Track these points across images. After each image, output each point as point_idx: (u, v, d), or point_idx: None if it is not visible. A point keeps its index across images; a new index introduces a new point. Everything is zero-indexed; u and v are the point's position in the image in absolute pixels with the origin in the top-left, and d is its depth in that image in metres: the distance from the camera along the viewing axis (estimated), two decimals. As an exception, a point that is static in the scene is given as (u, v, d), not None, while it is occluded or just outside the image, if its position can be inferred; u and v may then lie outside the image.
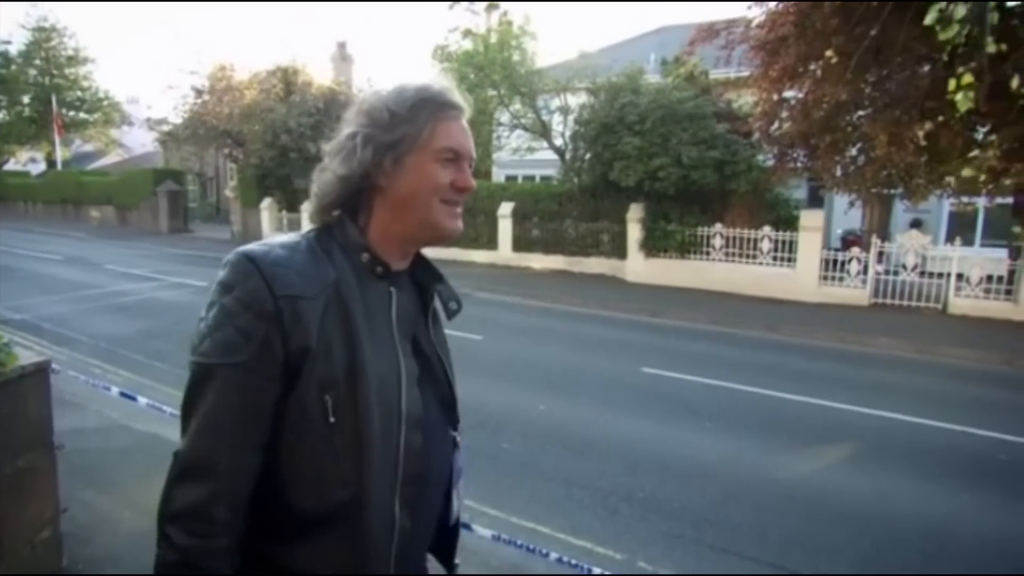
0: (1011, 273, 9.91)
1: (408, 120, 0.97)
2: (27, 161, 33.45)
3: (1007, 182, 9.05)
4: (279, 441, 0.91)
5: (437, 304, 1.12)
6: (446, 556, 1.18)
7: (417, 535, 1.03)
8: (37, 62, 29.38)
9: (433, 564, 1.18)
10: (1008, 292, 9.83)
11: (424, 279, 1.10)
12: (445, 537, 1.15)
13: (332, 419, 0.89)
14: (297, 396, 0.89)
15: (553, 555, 2.48)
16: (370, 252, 0.99)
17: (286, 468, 0.92)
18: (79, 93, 30.28)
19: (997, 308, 9.75)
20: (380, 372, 0.93)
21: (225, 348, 0.87)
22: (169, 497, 0.89)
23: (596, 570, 2.32)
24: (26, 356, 2.58)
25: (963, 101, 6.24)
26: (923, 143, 8.57)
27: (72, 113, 30.09)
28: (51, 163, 29.99)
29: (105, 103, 30.94)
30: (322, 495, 0.92)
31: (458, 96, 1.02)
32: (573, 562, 2.42)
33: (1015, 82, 6.94)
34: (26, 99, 29.61)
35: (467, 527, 2.36)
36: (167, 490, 0.90)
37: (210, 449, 0.89)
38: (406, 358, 0.98)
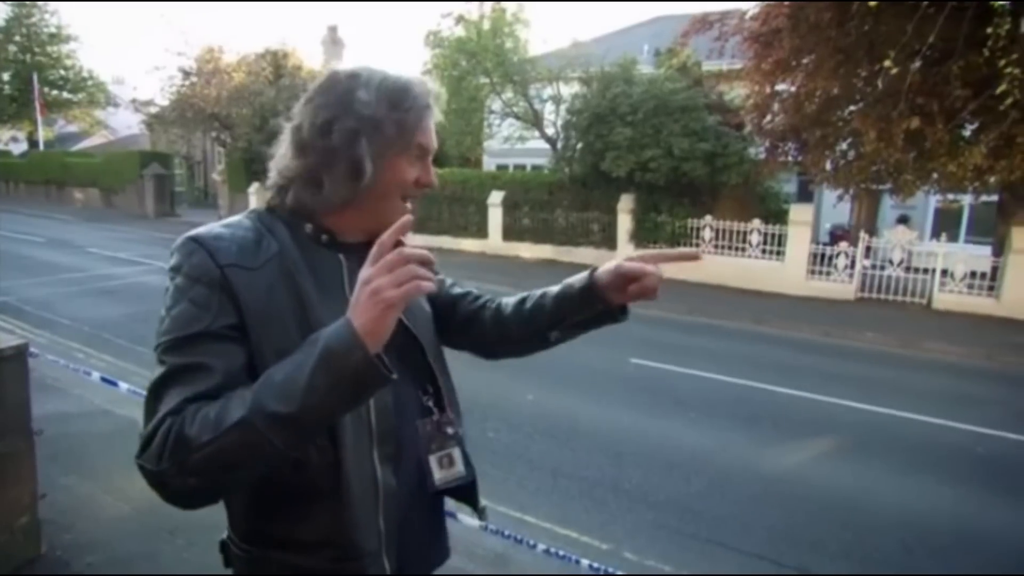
0: (994, 270, 10.04)
1: (395, 120, 0.96)
2: (8, 140, 32.70)
3: (992, 180, 9.15)
4: None
5: None
6: (470, 500, 1.19)
7: (406, 495, 1.02)
8: (17, 38, 28.63)
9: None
10: (991, 288, 9.96)
11: None
12: (464, 487, 1.14)
13: None
14: (258, 368, 0.89)
15: (540, 547, 2.48)
16: (314, 223, 0.99)
17: None
18: (62, 72, 29.58)
19: (980, 304, 9.88)
20: None
21: (184, 321, 0.88)
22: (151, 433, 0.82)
23: (584, 561, 2.33)
24: (4, 339, 2.53)
25: None
26: (911, 139, 8.65)
27: (55, 92, 29.37)
28: (33, 143, 29.31)
29: (89, 83, 30.26)
30: (300, 464, 0.91)
31: (433, 92, 1.03)
32: (560, 553, 2.43)
33: (1004, 85, 7.08)
34: (6, 76, 28.90)
35: (452, 516, 2.35)
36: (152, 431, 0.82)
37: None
38: None
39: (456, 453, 1.10)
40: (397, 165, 0.98)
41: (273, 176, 1.02)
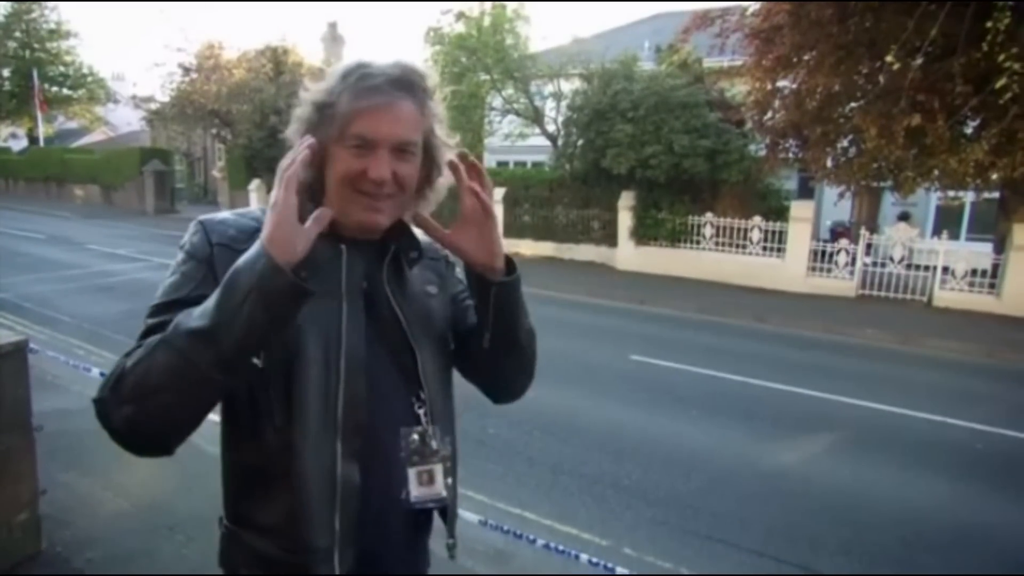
0: (995, 267, 10.03)
1: (330, 105, 0.95)
2: (8, 137, 32.66)
3: (994, 176, 9.13)
4: None
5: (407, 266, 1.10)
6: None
7: (375, 499, 0.98)
8: (17, 34, 28.52)
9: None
10: (991, 286, 9.95)
11: (389, 237, 1.06)
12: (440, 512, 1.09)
13: (260, 364, 0.90)
14: None
15: (540, 541, 2.48)
16: None
17: (227, 423, 1.00)
18: (62, 68, 29.48)
19: (980, 301, 9.87)
20: (319, 320, 0.95)
21: (170, 289, 0.96)
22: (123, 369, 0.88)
23: (584, 557, 2.33)
24: (4, 335, 2.53)
25: None
26: (912, 136, 8.63)
27: (55, 89, 29.29)
28: (33, 140, 29.29)
29: (89, 79, 30.17)
30: (259, 445, 0.94)
31: (394, 75, 0.95)
32: (560, 548, 2.43)
33: (1003, 80, 7.07)
34: (6, 72, 28.82)
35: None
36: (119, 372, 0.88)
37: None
38: (351, 309, 0.98)
39: (437, 471, 1.03)
40: (333, 155, 0.95)
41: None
